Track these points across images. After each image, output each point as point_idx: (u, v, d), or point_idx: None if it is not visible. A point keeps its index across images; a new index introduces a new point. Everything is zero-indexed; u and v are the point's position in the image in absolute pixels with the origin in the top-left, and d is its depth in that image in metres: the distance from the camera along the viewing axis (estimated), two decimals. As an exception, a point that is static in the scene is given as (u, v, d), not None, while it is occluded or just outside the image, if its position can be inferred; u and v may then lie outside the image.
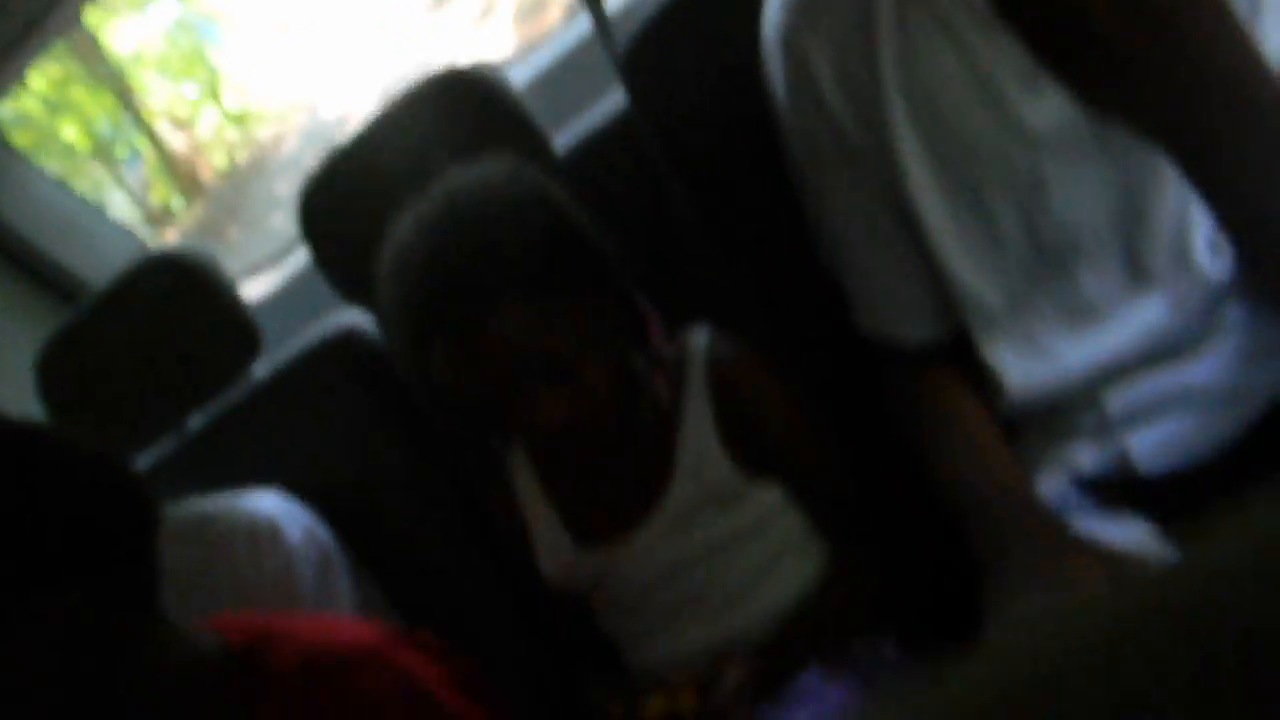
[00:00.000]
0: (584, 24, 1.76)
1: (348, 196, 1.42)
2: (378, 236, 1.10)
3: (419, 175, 1.12)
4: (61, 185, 1.86)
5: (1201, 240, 0.87)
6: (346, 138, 1.44)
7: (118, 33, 7.68)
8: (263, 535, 1.36)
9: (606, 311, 1.07)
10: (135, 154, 8.21)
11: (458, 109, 1.39)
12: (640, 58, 1.29)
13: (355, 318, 1.54)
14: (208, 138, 9.45)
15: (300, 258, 1.93)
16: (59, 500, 0.95)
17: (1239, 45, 0.63)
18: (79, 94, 7.59)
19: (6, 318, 1.71)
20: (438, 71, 1.42)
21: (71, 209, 1.82)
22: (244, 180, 9.69)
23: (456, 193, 1.05)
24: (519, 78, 1.68)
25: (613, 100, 1.43)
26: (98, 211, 1.91)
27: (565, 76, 1.72)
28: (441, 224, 1.03)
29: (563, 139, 1.45)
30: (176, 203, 8.36)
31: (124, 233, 1.90)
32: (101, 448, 1.02)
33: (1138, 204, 0.87)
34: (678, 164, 1.34)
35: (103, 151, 7.59)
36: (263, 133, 10.50)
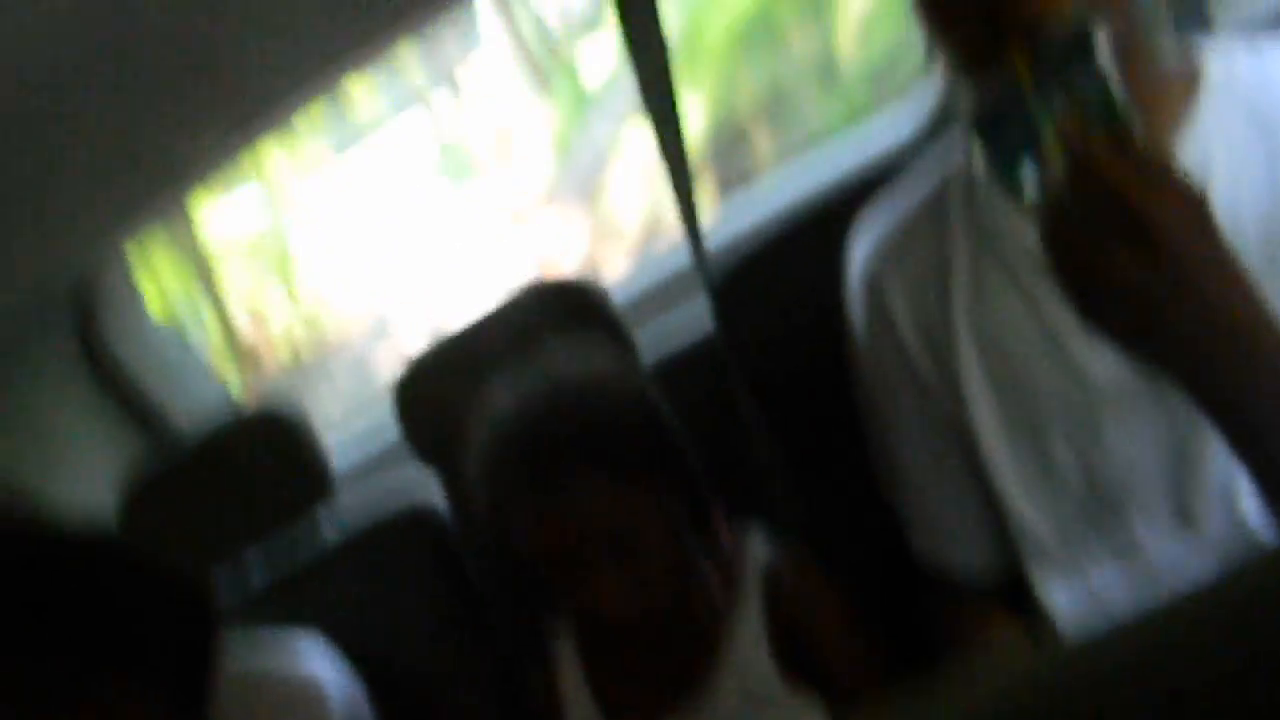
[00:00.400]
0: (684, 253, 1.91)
1: (442, 384, 1.53)
2: (465, 424, 1.19)
3: (515, 367, 1.22)
4: (174, 331, 2.01)
5: (1248, 494, 0.90)
6: (451, 332, 1.57)
7: (210, 214, 7.87)
8: (308, 699, 1.38)
9: (679, 500, 1.13)
10: (201, 334, 8.48)
11: (557, 316, 1.52)
12: (732, 292, 1.42)
13: (427, 494, 1.62)
14: (276, 329, 9.88)
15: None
16: (125, 596, 1.01)
17: (1254, 304, 0.70)
18: (162, 263, 7.87)
19: (92, 444, 1.80)
20: (542, 280, 1.56)
21: (177, 354, 1.96)
22: (306, 374, 9.99)
23: (557, 365, 1.15)
24: (619, 295, 1.82)
25: (702, 326, 1.55)
26: (200, 361, 2.05)
27: (662, 299, 1.85)
28: (539, 390, 1.12)
29: (651, 355, 1.56)
30: (234, 388, 8.60)
31: (220, 389, 2.03)
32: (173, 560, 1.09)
33: (1187, 455, 0.92)
34: (758, 394, 1.43)
35: (172, 324, 7.95)
36: (331, 332, 10.91)
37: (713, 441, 1.36)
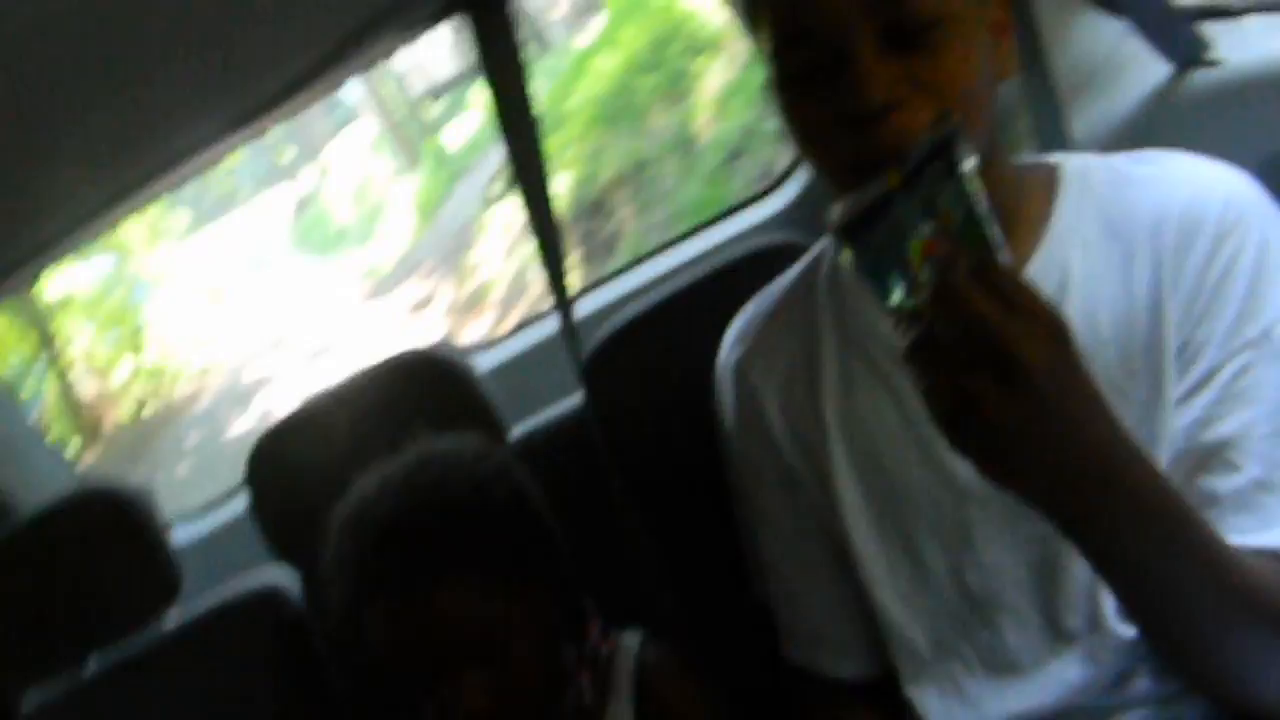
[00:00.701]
0: (552, 323, 1.90)
1: (298, 455, 1.47)
2: (320, 498, 1.14)
3: (374, 445, 1.18)
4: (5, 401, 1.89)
5: (1111, 603, 0.91)
6: (311, 398, 1.51)
7: (51, 275, 7.77)
8: None
9: (549, 601, 1.09)
10: (37, 394, 8.11)
11: (420, 386, 1.48)
12: (602, 364, 1.41)
13: (278, 576, 1.54)
14: (119, 387, 9.48)
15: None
16: None
17: (1112, 430, 0.72)
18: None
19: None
20: (405, 350, 1.52)
21: (11, 427, 1.83)
22: (150, 431, 9.56)
23: (425, 459, 1.10)
24: (483, 364, 1.79)
25: (571, 399, 1.53)
26: (36, 432, 1.92)
27: (528, 369, 1.83)
28: (406, 485, 1.07)
29: (519, 428, 1.53)
30: (73, 446, 8.22)
31: (60, 459, 1.91)
32: None
33: (1053, 562, 0.91)
34: (626, 470, 1.42)
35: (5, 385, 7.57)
36: (178, 390, 10.53)
37: (582, 524, 1.35)
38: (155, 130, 1.10)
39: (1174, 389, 0.85)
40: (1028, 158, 0.94)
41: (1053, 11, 1.39)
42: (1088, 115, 1.38)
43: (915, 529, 0.96)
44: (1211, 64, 1.31)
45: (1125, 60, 1.39)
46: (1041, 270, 0.88)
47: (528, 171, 1.42)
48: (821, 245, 1.08)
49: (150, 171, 1.20)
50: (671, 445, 1.33)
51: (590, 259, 6.66)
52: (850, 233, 0.74)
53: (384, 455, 1.15)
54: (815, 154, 0.87)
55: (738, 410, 1.09)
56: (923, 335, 0.71)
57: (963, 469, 0.91)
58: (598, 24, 9.19)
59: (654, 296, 1.42)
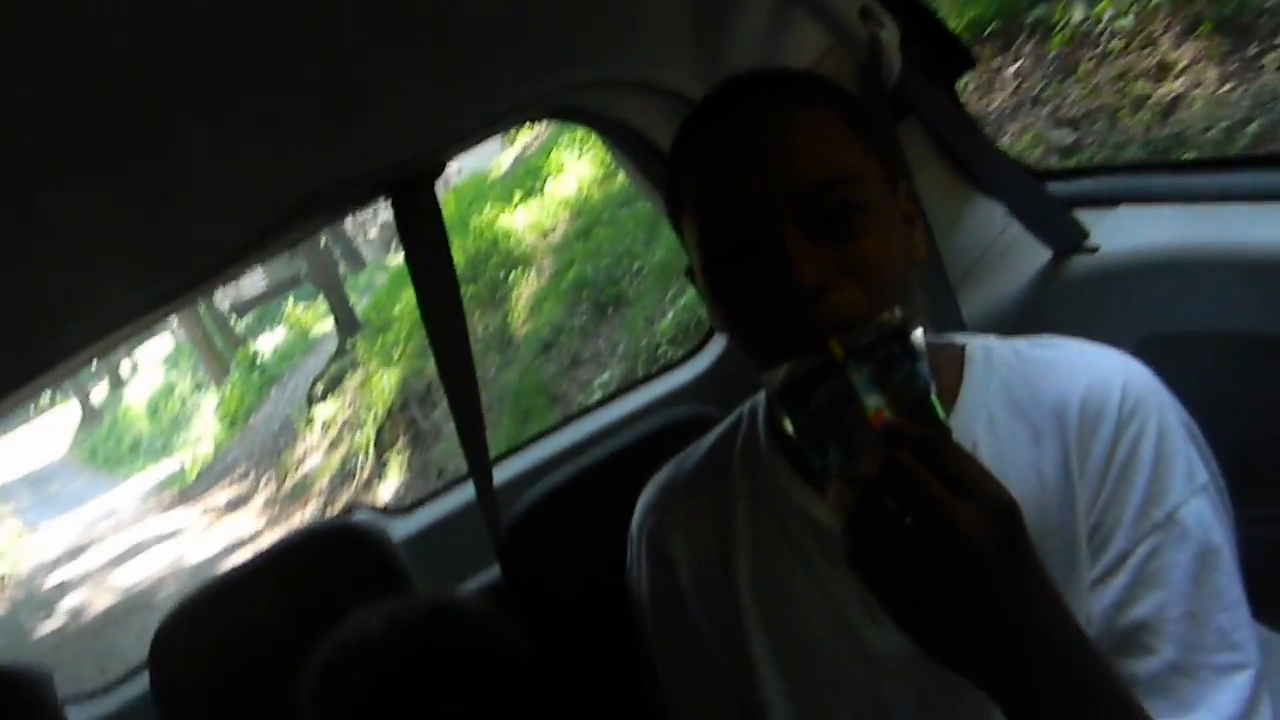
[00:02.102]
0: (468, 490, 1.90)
1: (206, 634, 1.43)
2: (229, 678, 1.11)
3: (287, 622, 1.16)
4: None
5: None
6: (219, 575, 1.48)
7: None
8: None
9: None
10: None
11: (335, 558, 1.46)
12: (518, 538, 1.41)
13: None
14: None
15: None
16: None
17: (1055, 609, 0.72)
18: None
19: None
20: (319, 522, 1.51)
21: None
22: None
23: (418, 604, 1.12)
24: (400, 531, 1.78)
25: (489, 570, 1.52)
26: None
27: (444, 538, 1.81)
28: (405, 626, 1.07)
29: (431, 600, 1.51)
30: None
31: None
32: None
33: None
34: (544, 645, 1.40)
35: None
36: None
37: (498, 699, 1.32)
38: (75, 308, 1.11)
39: (1089, 572, 0.87)
40: (931, 336, 0.99)
41: (939, 199, 1.49)
42: (976, 298, 1.47)
43: (833, 703, 0.96)
44: (1089, 250, 1.40)
45: (1008, 246, 1.49)
46: None
47: (447, 344, 1.45)
48: (735, 416, 1.10)
49: (67, 349, 1.20)
50: (589, 619, 1.33)
51: (417, 443, 7.69)
52: (790, 397, 0.76)
53: (299, 631, 1.13)
54: (746, 332, 0.90)
55: (651, 582, 1.08)
56: (864, 506, 0.71)
57: (881, 642, 0.91)
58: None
59: (569, 469, 1.44)
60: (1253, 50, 3.10)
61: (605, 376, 6.31)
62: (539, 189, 8.42)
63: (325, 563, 1.46)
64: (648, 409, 1.87)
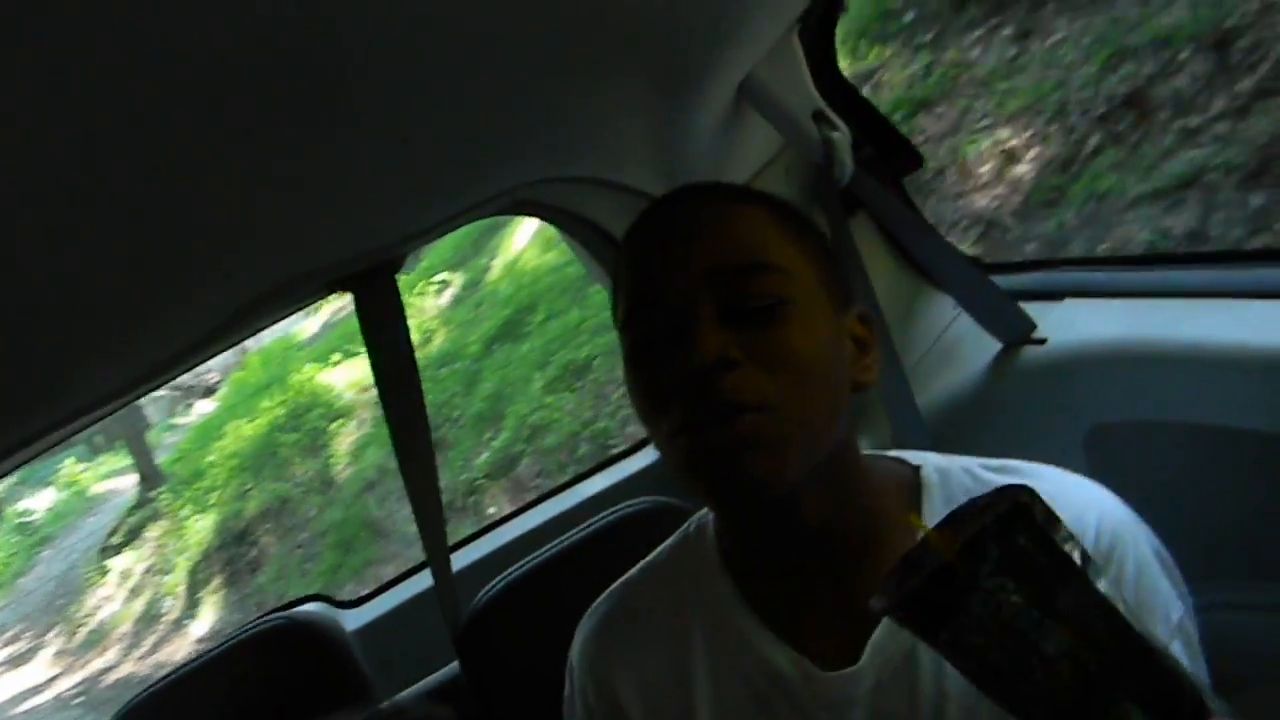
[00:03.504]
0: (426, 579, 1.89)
1: None
2: None
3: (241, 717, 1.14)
4: None
5: None
6: (171, 673, 1.45)
7: None
8: None
9: None
10: None
11: (288, 652, 1.44)
12: (476, 631, 1.39)
13: None
14: None
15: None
16: None
17: None
18: None
19: None
20: (270, 614, 1.48)
21: None
22: None
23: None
24: (353, 623, 1.75)
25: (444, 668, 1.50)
26: None
27: (400, 629, 1.79)
28: None
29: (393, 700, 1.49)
30: None
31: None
32: None
33: None
34: None
35: None
36: None
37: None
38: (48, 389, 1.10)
39: None
40: (878, 455, 0.94)
41: (891, 291, 1.53)
42: (929, 387, 1.50)
43: None
44: (1037, 342, 1.44)
45: (959, 337, 1.53)
46: None
47: (406, 432, 1.45)
48: (680, 535, 1.02)
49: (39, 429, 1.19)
50: (548, 713, 1.31)
51: (233, 580, 8.14)
52: (910, 610, 0.62)
53: None
54: (650, 418, 0.86)
55: (587, 707, 0.99)
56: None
57: None
58: (204, 406, 11.58)
59: (529, 561, 1.43)
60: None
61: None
62: (356, 351, 8.88)
63: (276, 658, 1.43)
64: (608, 494, 1.87)
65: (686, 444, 0.80)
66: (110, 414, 1.31)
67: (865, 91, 5.30)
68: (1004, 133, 4.14)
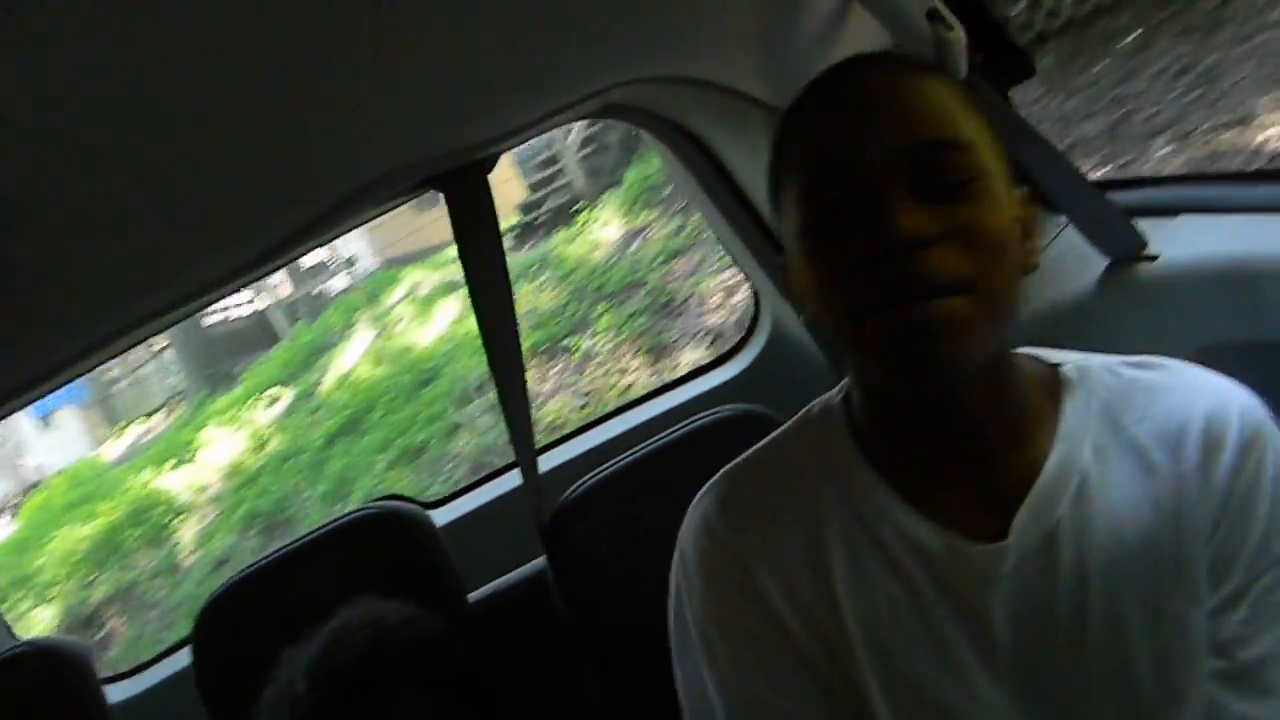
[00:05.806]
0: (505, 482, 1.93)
1: (248, 615, 1.45)
2: (269, 659, 1.13)
3: (329, 605, 1.18)
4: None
5: None
6: (263, 557, 1.50)
7: None
8: None
9: None
10: None
11: (378, 545, 1.48)
12: (563, 527, 1.41)
13: None
14: None
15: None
16: None
17: None
18: None
19: None
20: (365, 506, 1.52)
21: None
22: None
23: (341, 634, 1.13)
24: (441, 520, 1.79)
25: (534, 559, 1.53)
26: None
27: (488, 525, 1.83)
28: (365, 633, 1.10)
29: (480, 592, 1.53)
30: None
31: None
32: None
33: None
34: (587, 635, 1.41)
35: None
36: None
37: (541, 688, 1.32)
38: (171, 266, 1.14)
39: (1208, 603, 0.83)
40: (1020, 354, 0.92)
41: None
42: (1030, 303, 1.46)
43: None
44: (1148, 259, 1.39)
45: (1062, 252, 1.48)
46: (1059, 473, 0.85)
47: (498, 332, 1.46)
48: (799, 420, 1.00)
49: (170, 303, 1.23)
50: (633, 610, 1.33)
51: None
52: None
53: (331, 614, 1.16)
54: (827, 296, 0.83)
55: (719, 572, 0.95)
56: None
57: (982, 682, 0.85)
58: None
59: (616, 462, 1.44)
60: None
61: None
62: (190, 458, 9.49)
63: (369, 545, 1.47)
64: (685, 409, 1.87)
65: (879, 323, 0.78)
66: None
67: (636, 244, 7.19)
68: (727, 274, 6.18)
